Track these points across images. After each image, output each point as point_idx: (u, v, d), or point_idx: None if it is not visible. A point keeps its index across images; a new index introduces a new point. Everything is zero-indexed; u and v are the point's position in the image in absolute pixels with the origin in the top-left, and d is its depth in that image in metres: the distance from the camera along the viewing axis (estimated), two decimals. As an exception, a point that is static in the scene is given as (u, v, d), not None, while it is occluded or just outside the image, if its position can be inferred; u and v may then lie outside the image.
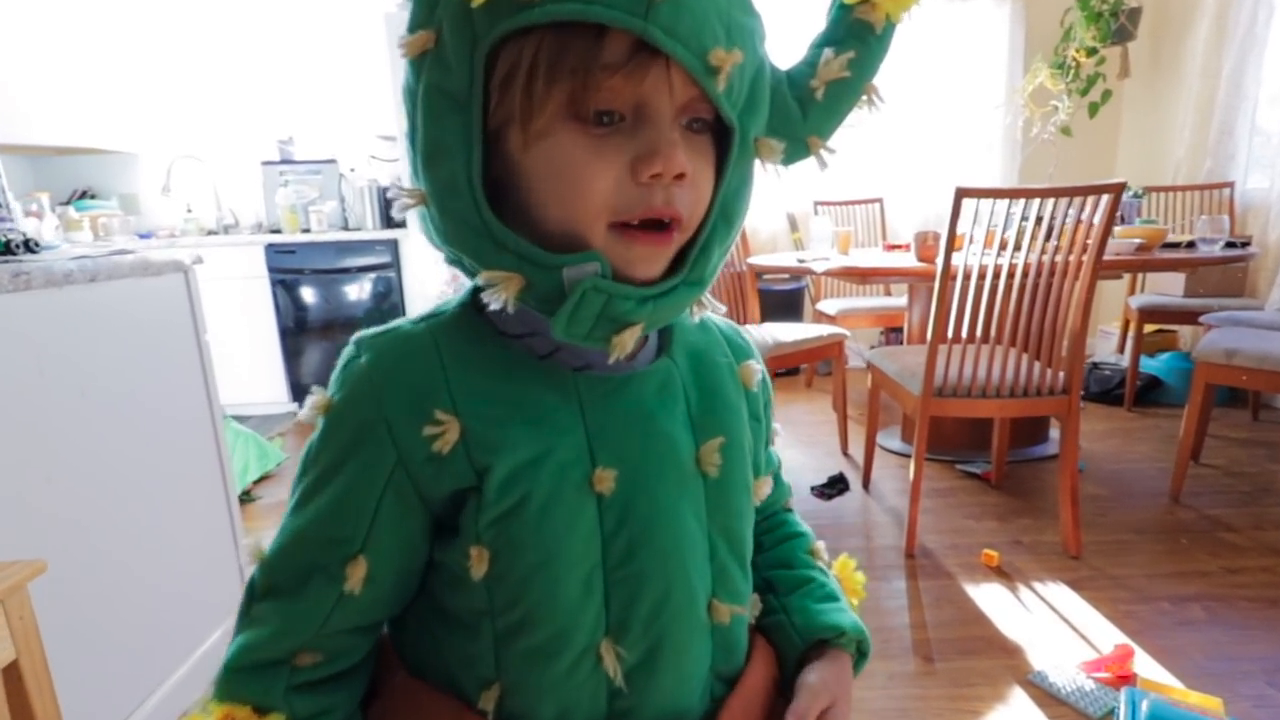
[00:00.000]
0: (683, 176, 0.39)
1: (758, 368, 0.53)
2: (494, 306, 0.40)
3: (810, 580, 0.56)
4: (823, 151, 0.45)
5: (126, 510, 1.23)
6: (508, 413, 0.42)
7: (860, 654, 0.55)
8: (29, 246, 1.07)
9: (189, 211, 3.64)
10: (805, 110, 0.44)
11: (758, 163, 0.44)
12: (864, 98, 0.45)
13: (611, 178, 0.38)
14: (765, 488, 0.55)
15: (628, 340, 0.40)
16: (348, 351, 0.44)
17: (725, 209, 0.42)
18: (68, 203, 3.49)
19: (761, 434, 0.54)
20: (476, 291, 0.44)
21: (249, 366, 3.38)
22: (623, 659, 0.44)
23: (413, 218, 2.97)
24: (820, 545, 0.60)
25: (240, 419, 3.21)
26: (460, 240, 0.40)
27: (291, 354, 3.43)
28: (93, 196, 3.63)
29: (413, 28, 0.39)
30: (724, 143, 0.42)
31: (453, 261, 0.43)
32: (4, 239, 1.03)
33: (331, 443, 0.43)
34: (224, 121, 3.59)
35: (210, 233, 3.64)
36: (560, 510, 0.42)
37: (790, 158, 0.45)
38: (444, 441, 0.40)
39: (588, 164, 0.38)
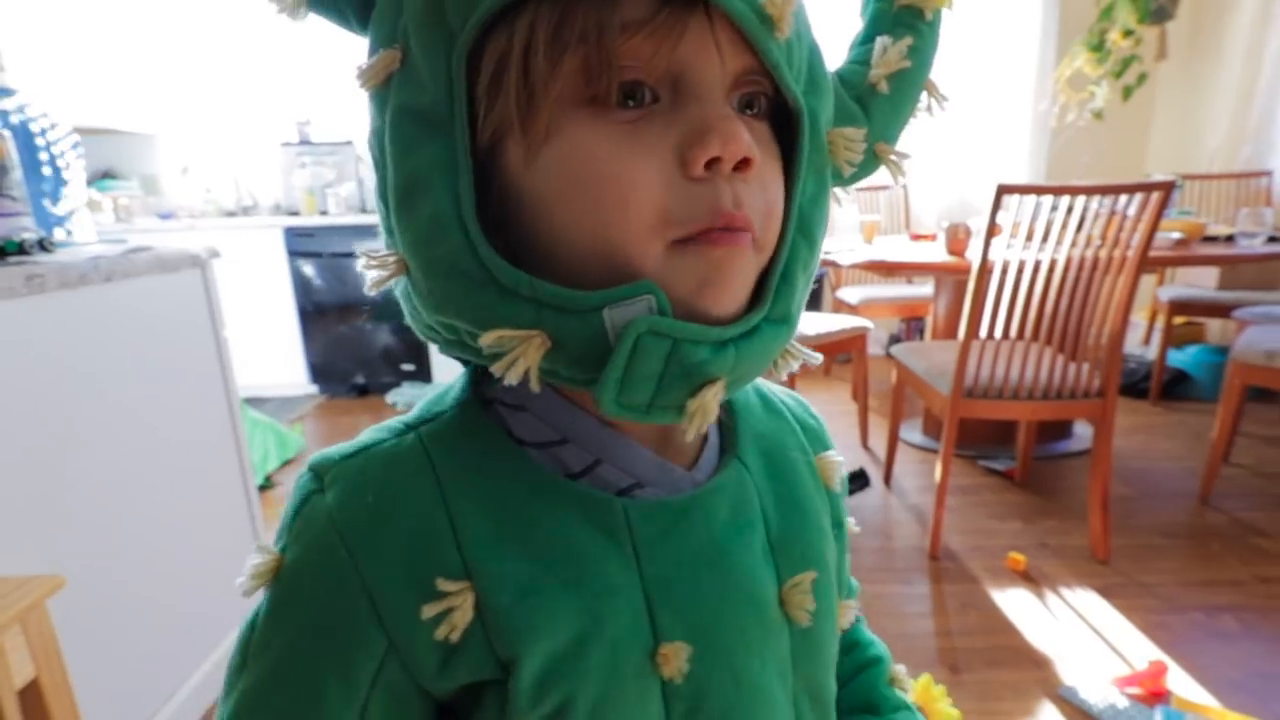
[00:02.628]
0: (748, 163, 0.28)
1: (838, 460, 0.42)
2: (510, 381, 0.28)
3: None
4: (893, 157, 0.37)
5: (145, 511, 1.22)
6: (538, 571, 0.31)
7: None
8: (43, 246, 1.04)
9: (208, 193, 3.64)
10: (868, 109, 0.35)
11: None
12: (925, 97, 0.38)
13: (656, 172, 0.28)
14: (849, 615, 0.43)
15: (711, 404, 0.29)
16: (303, 482, 0.32)
17: (804, 222, 0.32)
18: (90, 183, 3.49)
19: (844, 545, 0.43)
20: (478, 384, 0.35)
21: (268, 349, 3.38)
22: None
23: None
24: (900, 670, 0.49)
25: (258, 401, 3.22)
26: (452, 298, 0.29)
27: (310, 336, 3.44)
28: (114, 177, 3.63)
29: (372, 51, 0.30)
30: (788, 137, 0.32)
31: (449, 351, 0.33)
32: (17, 239, 1.01)
33: (286, 625, 0.31)
34: (242, 103, 3.56)
35: (229, 214, 3.64)
36: (618, 713, 0.31)
37: (859, 171, 0.36)
38: (452, 625, 0.29)
39: (621, 158, 0.28)
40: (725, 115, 0.28)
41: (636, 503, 0.33)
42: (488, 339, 0.28)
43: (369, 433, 0.34)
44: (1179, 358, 3.09)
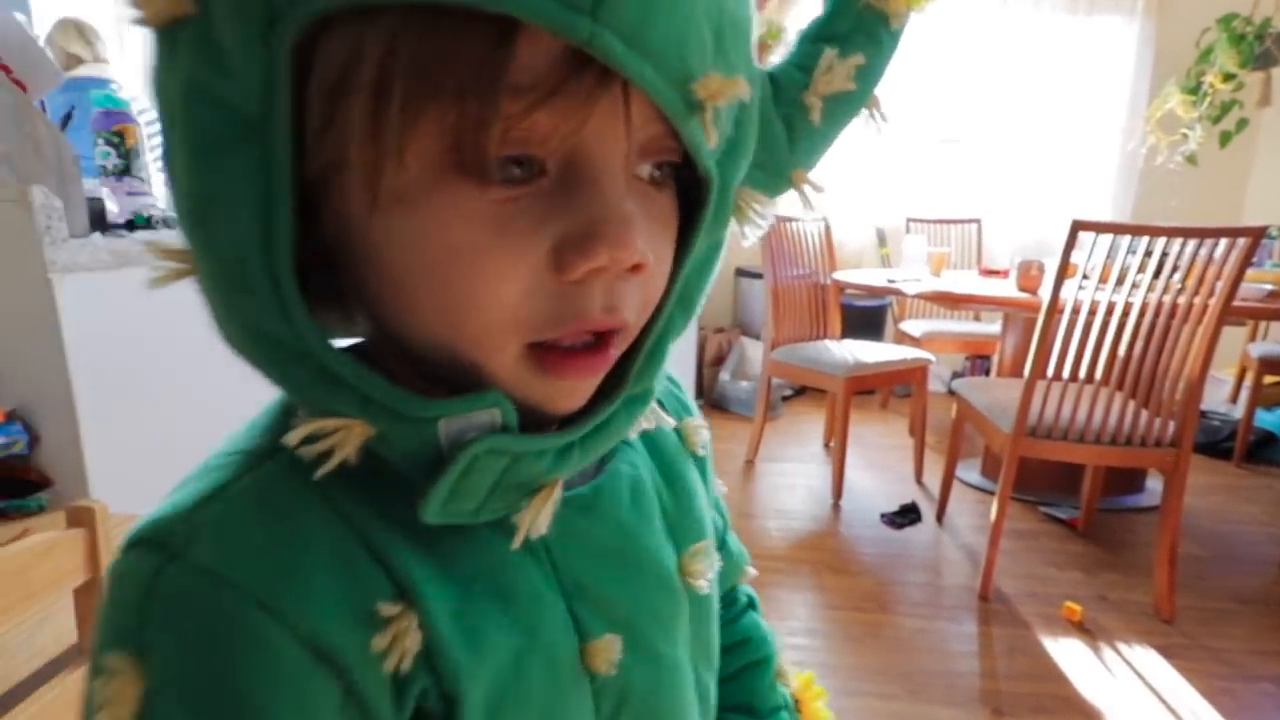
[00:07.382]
0: (640, 268, 0.24)
1: (701, 426, 0.41)
2: (318, 475, 0.24)
3: None
4: (807, 188, 0.33)
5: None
6: (463, 589, 0.27)
7: None
8: (167, 223, 1.15)
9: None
10: (794, 134, 0.33)
11: (732, 221, 0.29)
12: (864, 111, 0.35)
13: (523, 274, 0.23)
14: (742, 577, 0.48)
15: (544, 516, 0.27)
16: (131, 563, 0.24)
17: (686, 292, 0.29)
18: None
19: (711, 502, 0.42)
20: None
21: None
22: None
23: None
24: (785, 665, 0.49)
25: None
26: (256, 355, 0.24)
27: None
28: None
29: None
30: (690, 194, 0.27)
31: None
32: (146, 214, 1.12)
33: None
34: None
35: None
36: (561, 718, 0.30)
37: (769, 195, 0.32)
38: (403, 651, 0.25)
39: (484, 250, 0.23)
40: (622, 216, 0.23)
41: (536, 495, 0.28)
42: (295, 435, 0.24)
43: (203, 478, 0.26)
44: (1268, 419, 2.92)
